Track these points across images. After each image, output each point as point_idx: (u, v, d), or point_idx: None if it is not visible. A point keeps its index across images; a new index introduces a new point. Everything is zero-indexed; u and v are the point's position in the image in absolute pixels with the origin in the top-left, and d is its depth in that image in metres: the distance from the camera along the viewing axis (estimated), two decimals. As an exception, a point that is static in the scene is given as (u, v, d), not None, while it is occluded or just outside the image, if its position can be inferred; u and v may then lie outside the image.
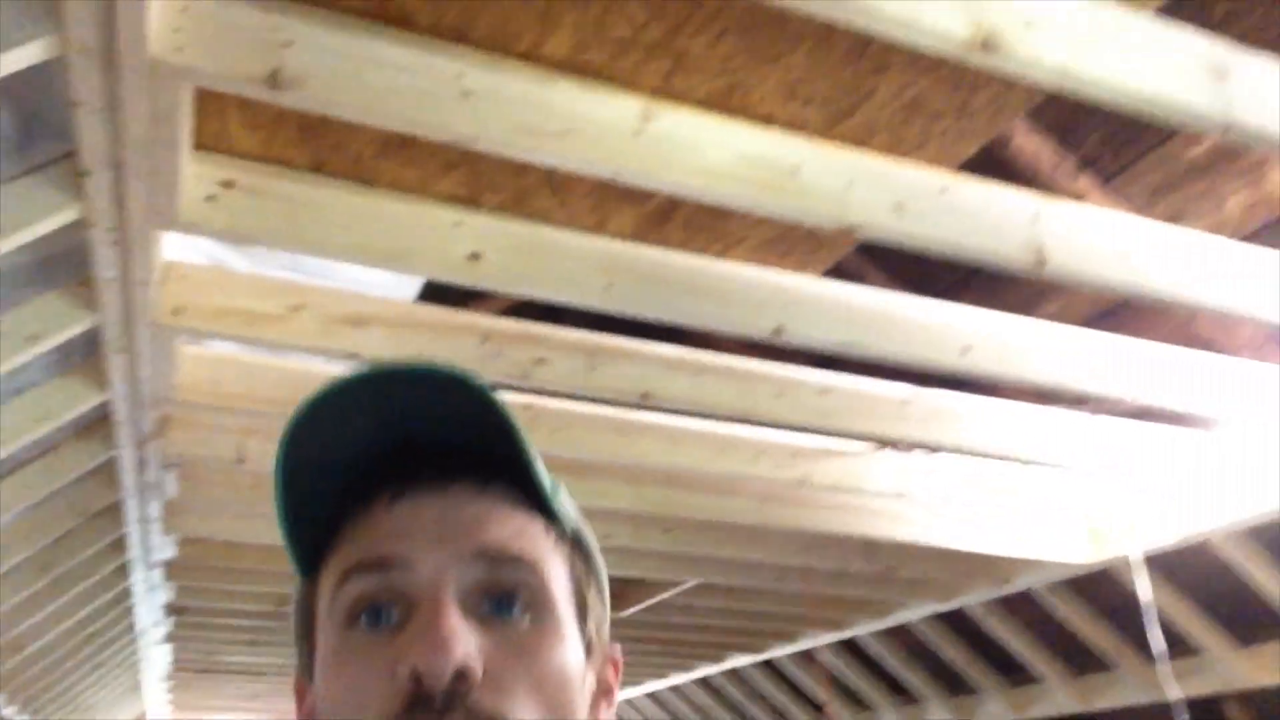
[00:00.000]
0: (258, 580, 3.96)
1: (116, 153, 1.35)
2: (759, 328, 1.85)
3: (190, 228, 1.55)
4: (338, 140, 1.62)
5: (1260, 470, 2.79)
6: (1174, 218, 2.62)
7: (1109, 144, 2.52)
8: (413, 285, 2.64)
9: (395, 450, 0.59)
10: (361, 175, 1.68)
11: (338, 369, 2.27)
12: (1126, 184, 2.58)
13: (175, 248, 1.91)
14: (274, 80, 1.26)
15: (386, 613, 0.55)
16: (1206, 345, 2.74)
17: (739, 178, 1.48)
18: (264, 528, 3.32)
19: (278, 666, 6.55)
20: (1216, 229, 2.58)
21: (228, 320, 1.89)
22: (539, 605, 0.57)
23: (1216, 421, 2.79)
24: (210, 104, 1.51)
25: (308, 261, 2.07)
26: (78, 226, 1.58)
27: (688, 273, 1.82)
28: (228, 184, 1.58)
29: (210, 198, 1.56)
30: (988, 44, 1.20)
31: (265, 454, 2.59)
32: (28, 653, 3.85)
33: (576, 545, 0.62)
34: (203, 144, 1.57)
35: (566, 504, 0.63)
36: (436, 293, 2.68)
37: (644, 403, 2.18)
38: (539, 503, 0.60)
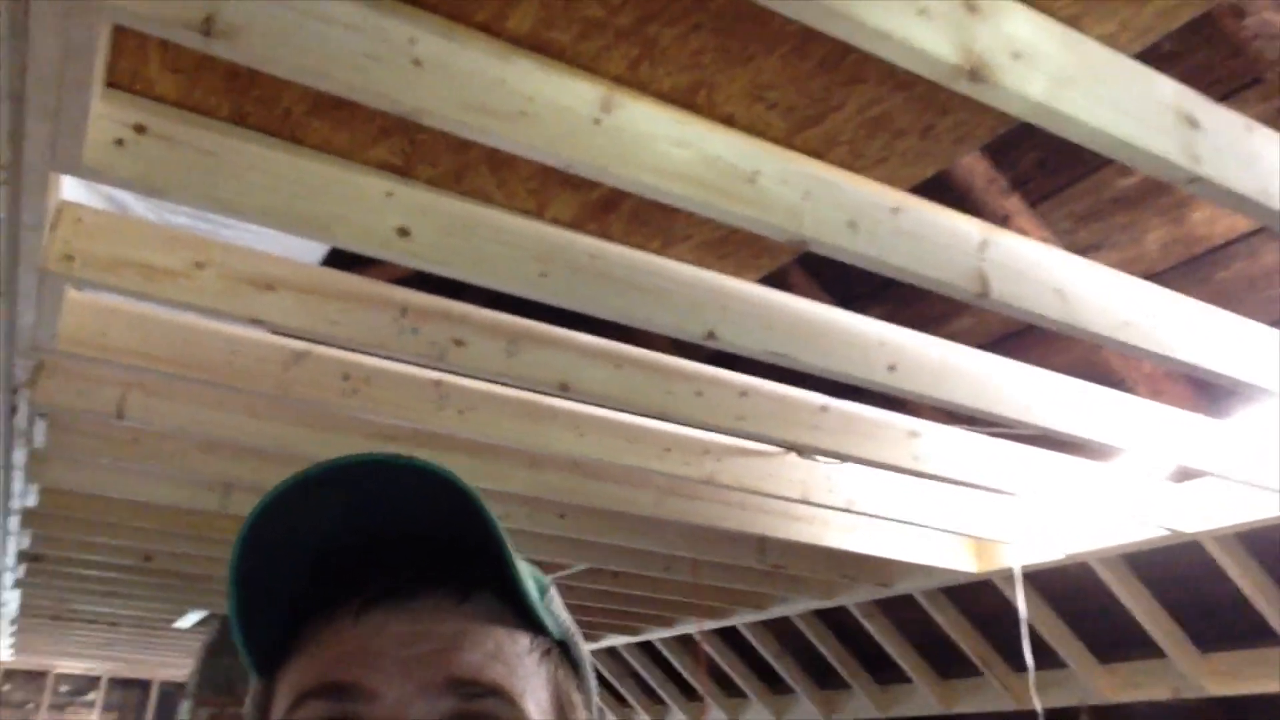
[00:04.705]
0: (122, 534, 3.76)
1: (18, 86, 1.21)
2: (692, 331, 1.80)
3: (94, 174, 1.41)
4: (266, 92, 1.49)
5: (1141, 501, 2.88)
6: (1094, 246, 2.66)
7: (1043, 167, 2.54)
8: (319, 247, 2.50)
9: (367, 547, 0.52)
10: (288, 132, 1.56)
11: (238, 330, 2.13)
12: (1054, 208, 2.61)
13: (70, 186, 1.75)
14: (207, 27, 1.14)
15: None
16: (1108, 375, 2.81)
17: (696, 180, 1.42)
18: (135, 483, 3.14)
19: (134, 618, 6.28)
20: (1133, 263, 2.64)
21: (123, 273, 1.73)
22: None
23: (1108, 451, 2.87)
24: (128, 38, 1.36)
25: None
26: (-37, 158, 1.42)
27: (626, 268, 1.75)
28: (139, 128, 1.44)
29: (119, 141, 1.42)
30: (975, 73, 1.16)
31: (147, 409, 2.42)
32: None
33: (564, 653, 0.56)
34: (116, 81, 1.42)
35: (556, 609, 0.56)
36: (341, 255, 2.54)
37: (562, 393, 2.10)
38: (523, 611, 0.54)
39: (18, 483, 3.01)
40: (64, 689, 9.96)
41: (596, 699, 0.58)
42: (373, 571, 0.52)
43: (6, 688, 9.65)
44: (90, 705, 9.99)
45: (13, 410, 2.38)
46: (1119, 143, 1.28)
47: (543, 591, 0.56)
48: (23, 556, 4.21)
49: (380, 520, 0.52)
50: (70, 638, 7.35)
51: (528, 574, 0.55)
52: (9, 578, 4.63)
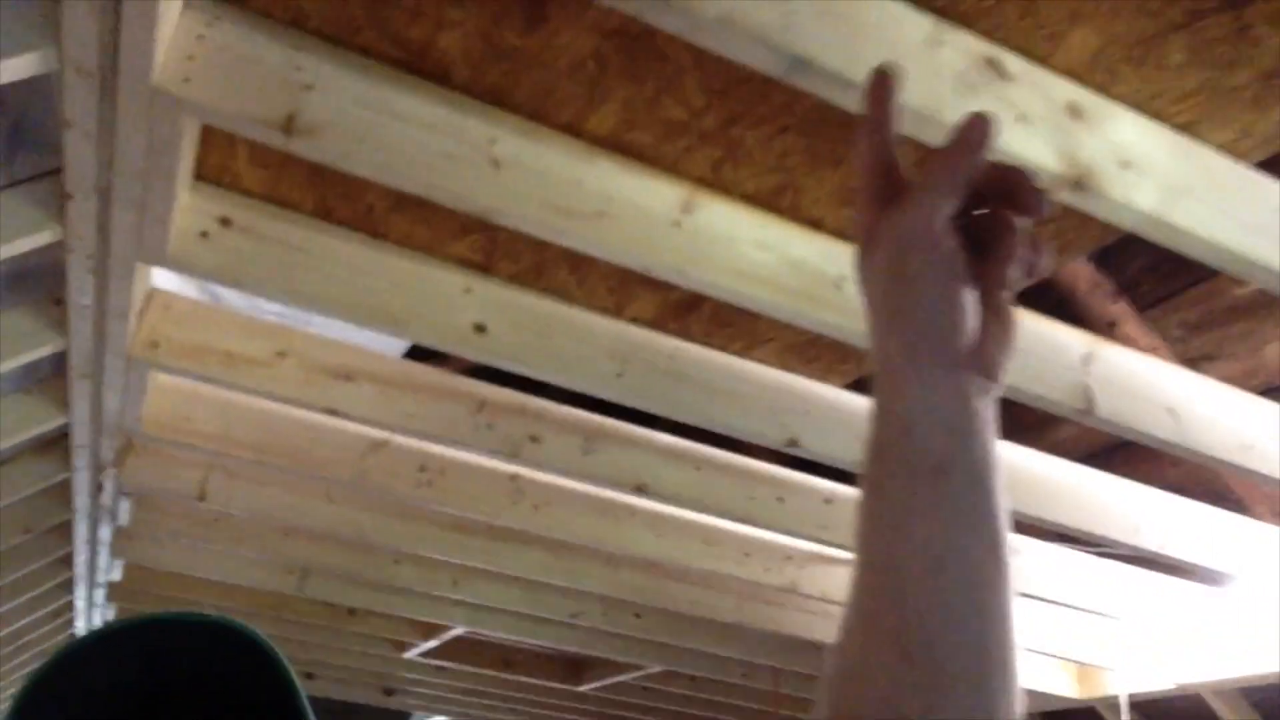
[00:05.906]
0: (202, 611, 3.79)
1: (105, 179, 1.22)
2: (773, 437, 1.73)
3: (179, 265, 1.42)
4: (349, 188, 1.49)
5: (1261, 632, 2.66)
6: (1207, 357, 2.51)
7: (1153, 272, 2.41)
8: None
9: (162, 703, 0.50)
10: (370, 228, 1.55)
11: (318, 418, 2.13)
12: (1164, 315, 2.48)
13: (164, 275, 1.78)
14: (289, 126, 1.13)
15: None
16: (1224, 494, 2.62)
17: (779, 284, 1.36)
18: (215, 563, 3.16)
19: (215, 693, 6.31)
20: (1249, 375, 2.47)
21: (205, 360, 1.74)
22: None
23: (1223, 577, 2.67)
24: (217, 134, 1.38)
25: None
26: (56, 248, 1.45)
27: (705, 370, 1.70)
28: (225, 221, 1.45)
29: (204, 234, 1.43)
30: (1080, 183, 1.09)
31: (228, 492, 2.43)
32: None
33: None
34: (203, 175, 1.44)
35: None
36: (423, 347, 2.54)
37: (639, 494, 2.04)
38: None
39: (104, 558, 3.06)
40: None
41: None
42: None
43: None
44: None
45: (99, 488, 2.41)
46: (1236, 257, 1.18)
47: None
48: (109, 628, 4.28)
49: (176, 677, 0.50)
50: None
51: None
52: (95, 648, 4.71)
